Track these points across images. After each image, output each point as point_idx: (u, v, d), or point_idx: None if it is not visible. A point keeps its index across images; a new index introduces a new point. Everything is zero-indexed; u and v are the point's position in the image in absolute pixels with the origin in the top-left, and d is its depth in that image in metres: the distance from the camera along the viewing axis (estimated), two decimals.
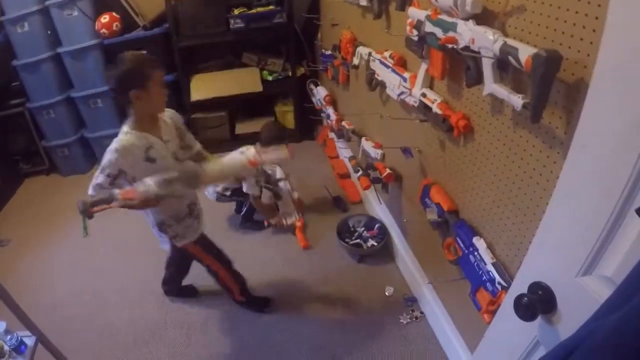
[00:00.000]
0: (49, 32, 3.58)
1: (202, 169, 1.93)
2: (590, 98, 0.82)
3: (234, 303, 2.49)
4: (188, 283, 2.64)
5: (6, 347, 1.74)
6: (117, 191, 1.77)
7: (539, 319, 0.97)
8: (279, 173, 3.03)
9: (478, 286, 1.60)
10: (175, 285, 2.63)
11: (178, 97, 3.91)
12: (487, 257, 1.54)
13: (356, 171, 2.69)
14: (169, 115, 2.00)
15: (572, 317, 0.87)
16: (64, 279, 2.89)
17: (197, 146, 2.15)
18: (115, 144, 1.80)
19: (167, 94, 1.87)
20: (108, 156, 1.79)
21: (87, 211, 1.74)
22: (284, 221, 3.05)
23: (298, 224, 3.04)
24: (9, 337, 1.74)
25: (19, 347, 1.77)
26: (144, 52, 1.80)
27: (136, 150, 1.82)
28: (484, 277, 1.54)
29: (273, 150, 2.01)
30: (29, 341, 1.85)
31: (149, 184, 1.74)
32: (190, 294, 2.66)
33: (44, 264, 3.05)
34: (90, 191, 1.83)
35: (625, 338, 0.59)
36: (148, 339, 2.40)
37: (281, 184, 3.05)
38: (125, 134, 1.82)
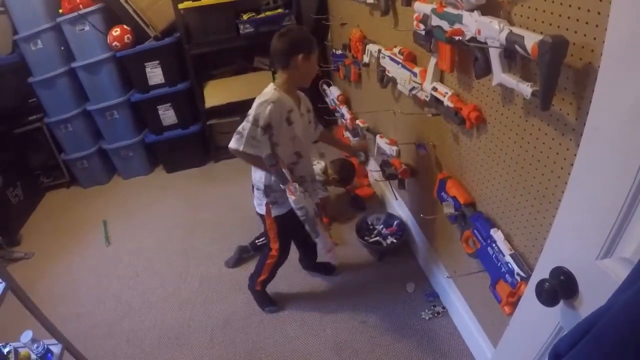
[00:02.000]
0: (62, 47, 3.66)
1: None
2: (600, 78, 0.81)
3: (251, 291, 2.55)
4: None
5: (33, 356, 1.78)
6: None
7: (561, 305, 0.96)
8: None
9: (498, 278, 1.58)
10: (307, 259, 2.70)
11: (192, 104, 3.96)
12: (505, 249, 1.52)
13: None
14: (303, 96, 2.12)
15: (593, 301, 0.86)
16: (87, 287, 2.94)
17: (320, 127, 2.36)
18: (267, 97, 1.89)
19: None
20: (260, 109, 1.88)
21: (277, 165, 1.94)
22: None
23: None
24: (35, 345, 1.78)
25: (46, 355, 1.81)
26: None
27: (283, 106, 1.93)
28: (503, 269, 1.53)
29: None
30: (56, 349, 1.89)
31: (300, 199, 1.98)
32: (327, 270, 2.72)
33: (67, 274, 3.10)
34: (234, 145, 1.91)
35: (636, 314, 0.58)
36: (172, 343, 2.43)
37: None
38: (274, 90, 1.93)
